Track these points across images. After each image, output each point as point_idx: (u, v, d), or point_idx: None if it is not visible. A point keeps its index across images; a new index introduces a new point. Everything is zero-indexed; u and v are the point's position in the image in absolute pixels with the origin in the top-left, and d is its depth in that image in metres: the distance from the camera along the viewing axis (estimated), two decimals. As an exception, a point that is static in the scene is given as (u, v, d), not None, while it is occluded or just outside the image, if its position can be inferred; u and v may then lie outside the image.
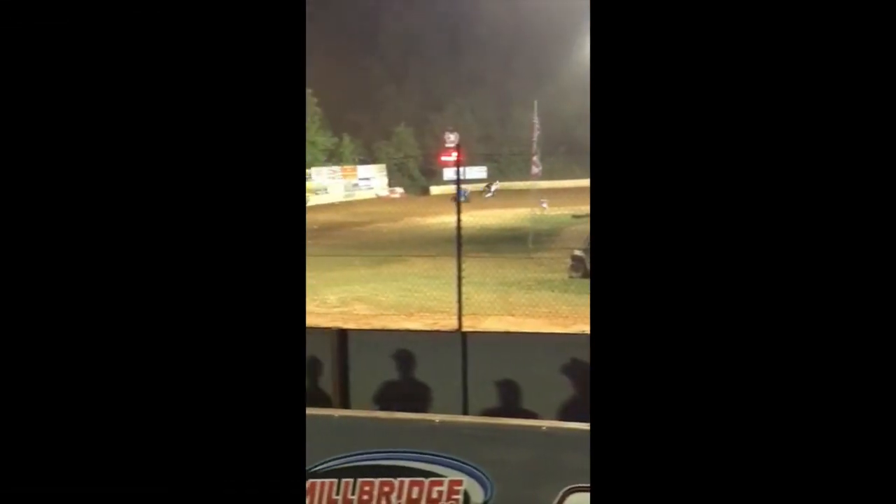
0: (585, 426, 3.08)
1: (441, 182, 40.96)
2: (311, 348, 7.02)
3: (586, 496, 3.04)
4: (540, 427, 3.26)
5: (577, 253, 12.73)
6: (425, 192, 43.16)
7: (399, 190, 43.90)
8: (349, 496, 5.02)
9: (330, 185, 41.02)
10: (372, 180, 44.64)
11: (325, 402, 6.72)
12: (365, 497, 4.93)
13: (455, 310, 7.11)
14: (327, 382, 7.02)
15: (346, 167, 43.66)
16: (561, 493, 3.06)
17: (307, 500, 5.03)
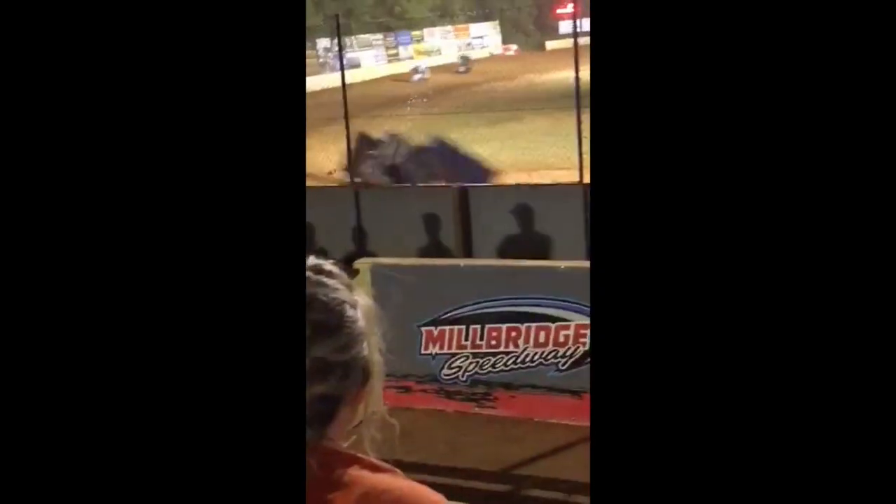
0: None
1: (557, 37, 39.40)
2: (431, 206, 7.20)
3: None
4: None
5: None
6: (541, 48, 41.70)
7: (514, 47, 42.60)
8: (478, 342, 5.21)
9: (443, 46, 40.30)
10: (485, 38, 43.47)
11: (448, 256, 6.92)
12: (493, 342, 5.10)
13: (576, 165, 6.99)
14: (448, 237, 7.19)
15: (458, 27, 42.62)
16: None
17: (437, 347, 5.26)
